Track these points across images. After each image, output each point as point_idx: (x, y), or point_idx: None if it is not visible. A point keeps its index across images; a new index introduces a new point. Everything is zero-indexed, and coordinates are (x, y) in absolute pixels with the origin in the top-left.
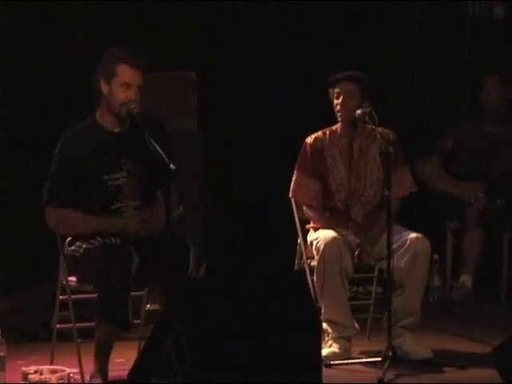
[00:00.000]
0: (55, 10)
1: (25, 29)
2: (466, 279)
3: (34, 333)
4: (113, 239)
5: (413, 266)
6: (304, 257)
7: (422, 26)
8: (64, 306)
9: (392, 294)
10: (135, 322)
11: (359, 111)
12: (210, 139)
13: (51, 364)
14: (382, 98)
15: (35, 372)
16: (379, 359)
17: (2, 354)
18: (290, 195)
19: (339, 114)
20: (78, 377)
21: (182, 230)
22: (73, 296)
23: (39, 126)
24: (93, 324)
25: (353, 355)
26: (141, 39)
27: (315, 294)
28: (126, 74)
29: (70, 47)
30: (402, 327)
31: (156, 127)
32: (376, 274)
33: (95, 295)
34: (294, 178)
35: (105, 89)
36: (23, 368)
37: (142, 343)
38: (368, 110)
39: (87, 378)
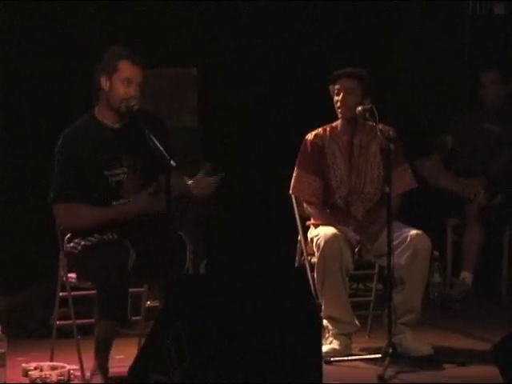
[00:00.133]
0: (55, 10)
1: (25, 29)
2: (467, 276)
3: (33, 329)
4: (110, 235)
5: (413, 263)
6: (304, 253)
7: (422, 25)
8: (64, 302)
9: (392, 290)
10: (135, 318)
11: (360, 108)
12: (210, 135)
13: (51, 360)
14: (382, 97)
15: (35, 368)
16: (379, 356)
17: (3, 350)
18: (291, 192)
19: (339, 110)
20: (78, 373)
21: (179, 225)
22: (73, 293)
23: (39, 126)
24: (93, 321)
25: (353, 352)
26: (141, 39)
27: (315, 290)
28: (127, 69)
29: (70, 47)
30: (402, 324)
31: (156, 124)
32: (376, 270)
33: (95, 292)
34: (294, 175)
35: (105, 85)
36: (23, 364)
37: (142, 340)
38: (368, 106)
39: (87, 375)
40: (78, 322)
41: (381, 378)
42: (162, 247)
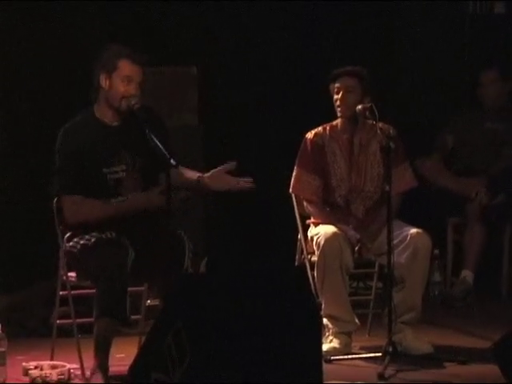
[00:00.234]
0: (55, 10)
1: (25, 29)
2: (467, 275)
3: (34, 328)
4: (108, 233)
5: (413, 262)
6: (304, 252)
7: (422, 26)
8: (64, 301)
9: (392, 289)
10: (135, 317)
11: (360, 106)
12: (210, 134)
13: (51, 359)
14: (381, 97)
15: (36, 367)
16: (379, 354)
17: (3, 349)
18: (291, 190)
19: (339, 109)
20: (78, 372)
21: (179, 224)
22: (73, 292)
23: (39, 126)
24: (93, 319)
25: (353, 350)
26: (141, 39)
27: (316, 289)
28: (127, 68)
29: (70, 47)
30: (402, 322)
31: (156, 122)
32: (376, 269)
33: (95, 291)
34: (294, 174)
35: (105, 83)
36: (24, 363)
37: (143, 338)
38: (368, 105)
39: (88, 374)
40: (78, 320)
41: (381, 376)
42: (161, 246)
